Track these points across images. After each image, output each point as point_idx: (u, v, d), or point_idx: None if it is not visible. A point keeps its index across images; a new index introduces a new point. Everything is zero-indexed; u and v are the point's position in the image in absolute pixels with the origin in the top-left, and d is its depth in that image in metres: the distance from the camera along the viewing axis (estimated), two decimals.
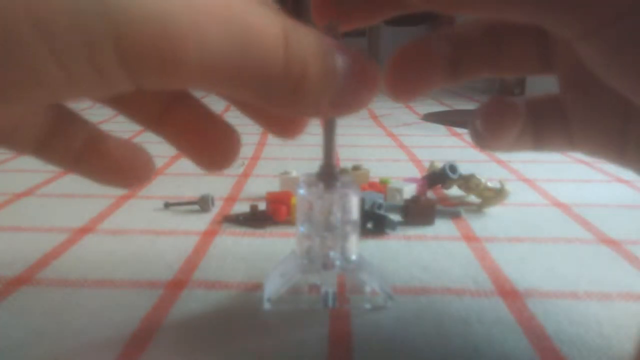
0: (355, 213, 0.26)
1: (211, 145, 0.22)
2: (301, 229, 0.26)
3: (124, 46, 0.13)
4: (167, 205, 0.43)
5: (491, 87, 1.40)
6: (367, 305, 0.27)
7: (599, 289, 0.29)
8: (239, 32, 0.15)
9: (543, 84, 1.23)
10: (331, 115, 0.21)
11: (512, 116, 0.23)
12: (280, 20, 0.16)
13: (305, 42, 0.16)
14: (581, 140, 0.22)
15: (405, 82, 0.23)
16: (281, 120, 0.22)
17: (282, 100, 0.17)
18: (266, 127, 0.23)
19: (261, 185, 0.49)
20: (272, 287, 0.27)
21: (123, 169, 0.22)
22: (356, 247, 0.26)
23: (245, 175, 0.53)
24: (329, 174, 0.25)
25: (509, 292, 0.29)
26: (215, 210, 0.42)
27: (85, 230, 0.38)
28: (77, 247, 0.35)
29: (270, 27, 0.16)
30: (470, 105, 1.14)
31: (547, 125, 0.23)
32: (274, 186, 0.46)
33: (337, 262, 0.26)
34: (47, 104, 0.15)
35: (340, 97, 0.18)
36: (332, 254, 0.26)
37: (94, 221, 0.40)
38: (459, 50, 0.23)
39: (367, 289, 0.27)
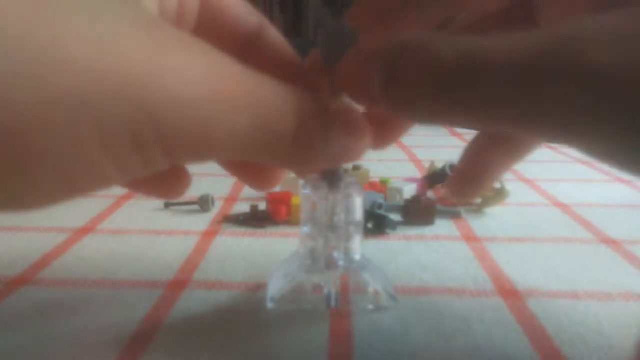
0: (359, 214, 0.26)
1: (166, 189, 0.26)
2: (305, 229, 0.26)
3: (168, 143, 0.16)
4: (167, 205, 0.43)
5: None
6: (370, 306, 0.27)
7: (599, 289, 0.29)
8: (259, 118, 0.18)
9: None
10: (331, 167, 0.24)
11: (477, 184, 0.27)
12: (292, 98, 0.19)
13: (311, 115, 0.19)
14: None
15: None
16: (260, 176, 0.26)
17: (289, 162, 0.20)
18: (247, 182, 0.26)
19: None
20: (276, 286, 0.27)
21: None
22: (359, 247, 0.26)
23: None
24: (333, 175, 0.25)
25: (509, 292, 0.29)
26: (215, 210, 0.42)
27: (85, 230, 0.38)
28: (77, 247, 0.35)
29: (284, 107, 0.19)
30: None
31: None
32: None
33: (341, 263, 0.26)
34: (103, 189, 0.18)
35: (340, 154, 0.21)
36: (335, 254, 0.26)
37: (94, 221, 0.40)
38: None
39: (370, 289, 0.27)
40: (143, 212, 0.42)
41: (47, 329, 0.25)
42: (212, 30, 0.23)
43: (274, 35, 0.24)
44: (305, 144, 0.19)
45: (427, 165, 0.57)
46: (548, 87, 0.14)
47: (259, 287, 0.29)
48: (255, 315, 0.26)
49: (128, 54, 0.15)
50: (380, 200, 0.40)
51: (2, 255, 0.33)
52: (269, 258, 0.33)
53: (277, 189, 0.45)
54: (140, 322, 0.25)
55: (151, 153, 0.16)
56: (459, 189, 0.28)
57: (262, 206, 0.41)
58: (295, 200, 0.39)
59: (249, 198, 0.46)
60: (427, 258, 0.33)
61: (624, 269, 0.32)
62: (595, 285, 0.30)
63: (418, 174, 0.53)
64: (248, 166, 0.26)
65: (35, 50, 0.14)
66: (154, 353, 0.23)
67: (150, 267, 0.32)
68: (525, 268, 0.32)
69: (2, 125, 0.14)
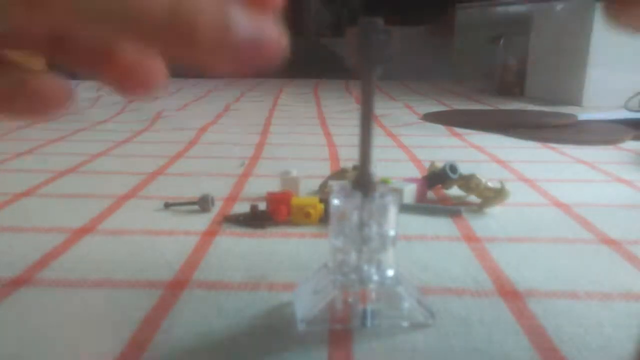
0: (393, 225, 0.24)
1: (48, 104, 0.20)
2: (334, 241, 0.24)
3: None
4: (167, 206, 0.43)
5: (490, 87, 1.40)
6: (405, 323, 0.25)
7: (599, 289, 0.29)
8: None
9: (539, 88, 1.23)
10: (233, 70, 0.19)
11: None
12: None
13: None
14: None
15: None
16: (126, 70, 0.20)
17: (175, 48, 0.17)
18: (108, 81, 0.21)
19: (261, 185, 0.49)
20: (306, 305, 0.26)
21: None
22: (393, 261, 0.25)
23: (245, 175, 0.53)
24: (366, 183, 0.23)
25: (509, 292, 0.29)
26: (215, 210, 0.42)
27: (85, 230, 0.38)
28: (77, 247, 0.35)
29: None
30: (470, 106, 1.14)
31: None
32: (274, 186, 0.46)
33: (374, 277, 0.24)
34: None
35: (240, 53, 0.17)
36: (367, 268, 0.24)
37: (94, 221, 0.40)
38: None
39: (405, 305, 0.25)
40: (143, 212, 0.42)
41: (47, 329, 0.25)
42: None
43: None
44: (186, 23, 0.16)
45: (427, 165, 0.57)
46: None
47: (259, 287, 0.29)
48: (255, 316, 0.26)
49: None
50: None
51: (2, 255, 0.33)
52: (269, 258, 0.33)
53: (277, 189, 0.45)
54: (140, 322, 0.25)
55: None
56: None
57: (262, 206, 0.41)
58: (295, 200, 0.39)
59: (248, 198, 0.46)
60: (427, 258, 0.33)
61: (623, 269, 0.32)
62: (595, 285, 0.30)
63: (418, 174, 0.53)
64: (112, 57, 0.21)
65: None
66: (154, 353, 0.23)
67: (150, 267, 0.32)
68: (526, 268, 0.32)
69: None
